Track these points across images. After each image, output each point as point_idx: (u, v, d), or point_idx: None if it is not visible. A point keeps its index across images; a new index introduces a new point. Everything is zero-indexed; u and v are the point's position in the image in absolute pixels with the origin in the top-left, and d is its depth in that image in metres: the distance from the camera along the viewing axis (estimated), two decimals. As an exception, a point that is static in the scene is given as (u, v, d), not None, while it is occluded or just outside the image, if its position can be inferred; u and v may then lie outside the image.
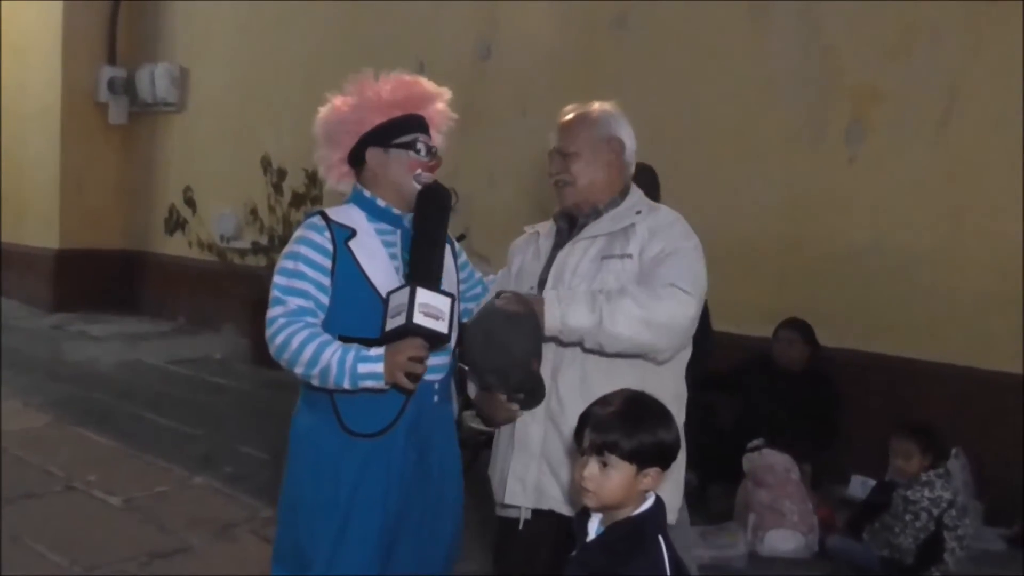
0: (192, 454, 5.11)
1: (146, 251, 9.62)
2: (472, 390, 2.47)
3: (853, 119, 5.03)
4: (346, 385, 2.25)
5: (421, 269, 2.30)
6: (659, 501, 1.86)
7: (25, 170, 9.80)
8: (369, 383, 2.24)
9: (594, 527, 1.87)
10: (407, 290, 2.23)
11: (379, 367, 2.22)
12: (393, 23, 7.13)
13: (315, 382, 2.30)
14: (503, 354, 2.16)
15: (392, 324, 2.22)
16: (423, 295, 2.22)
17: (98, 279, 9.47)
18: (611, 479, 1.79)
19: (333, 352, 2.24)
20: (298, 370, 2.29)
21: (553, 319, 2.14)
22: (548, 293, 2.21)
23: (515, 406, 2.28)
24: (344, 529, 2.34)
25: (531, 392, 2.25)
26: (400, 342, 2.23)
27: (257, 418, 5.85)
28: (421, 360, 2.24)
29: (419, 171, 2.40)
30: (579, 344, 2.20)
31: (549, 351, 2.28)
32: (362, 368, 2.23)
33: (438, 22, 6.90)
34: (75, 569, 3.63)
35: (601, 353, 2.20)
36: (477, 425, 4.85)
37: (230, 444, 5.34)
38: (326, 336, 2.29)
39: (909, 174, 4.83)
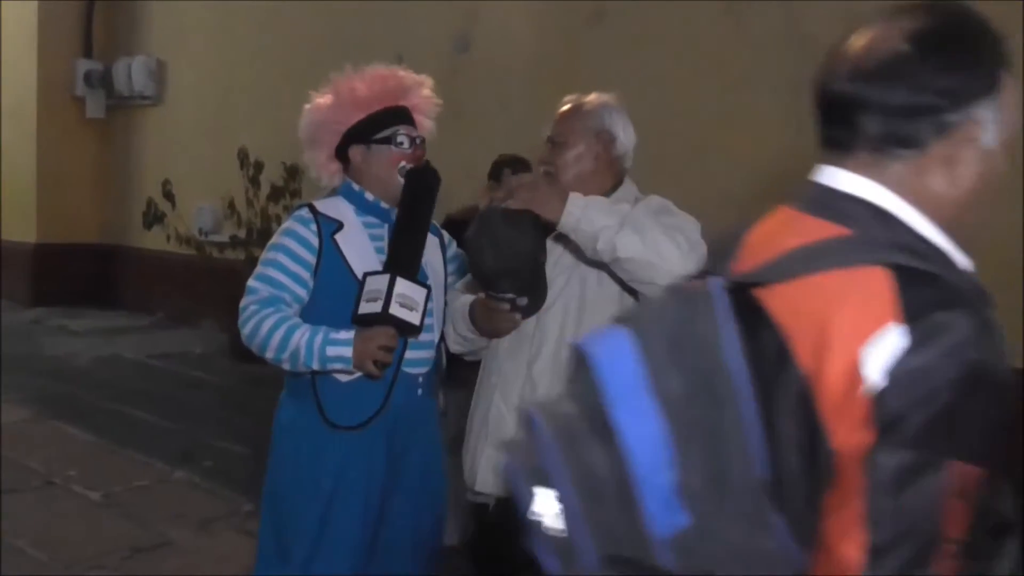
0: (172, 449, 5.09)
1: (124, 245, 9.54)
2: (466, 308, 2.38)
3: (830, 111, 5.05)
4: (315, 367, 2.26)
5: (403, 256, 2.29)
6: None
7: (2, 165, 9.70)
8: (337, 366, 2.26)
9: None
10: (386, 278, 2.22)
11: (348, 351, 2.24)
12: (371, 16, 7.10)
13: (286, 366, 2.31)
14: (511, 254, 2.10)
15: (366, 308, 2.22)
16: (402, 285, 2.22)
17: (76, 273, 9.39)
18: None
19: (302, 335, 2.25)
20: (269, 355, 2.30)
21: (575, 206, 2.05)
22: (571, 193, 2.12)
23: (518, 315, 2.22)
24: (325, 522, 2.35)
25: (536, 294, 2.19)
26: (371, 329, 2.24)
27: (237, 412, 5.83)
28: (391, 350, 2.26)
29: (403, 163, 2.39)
30: (588, 245, 2.08)
31: (526, 340, 2.26)
32: (331, 351, 2.24)
33: (416, 16, 6.88)
34: (55, 565, 3.62)
35: (606, 265, 2.11)
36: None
37: (210, 439, 5.33)
38: (295, 320, 2.30)
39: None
